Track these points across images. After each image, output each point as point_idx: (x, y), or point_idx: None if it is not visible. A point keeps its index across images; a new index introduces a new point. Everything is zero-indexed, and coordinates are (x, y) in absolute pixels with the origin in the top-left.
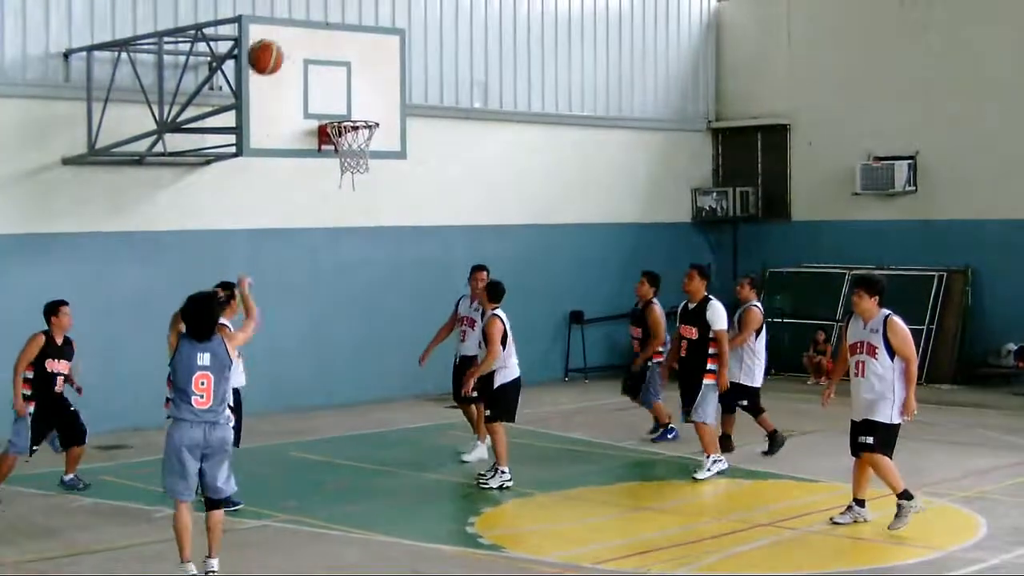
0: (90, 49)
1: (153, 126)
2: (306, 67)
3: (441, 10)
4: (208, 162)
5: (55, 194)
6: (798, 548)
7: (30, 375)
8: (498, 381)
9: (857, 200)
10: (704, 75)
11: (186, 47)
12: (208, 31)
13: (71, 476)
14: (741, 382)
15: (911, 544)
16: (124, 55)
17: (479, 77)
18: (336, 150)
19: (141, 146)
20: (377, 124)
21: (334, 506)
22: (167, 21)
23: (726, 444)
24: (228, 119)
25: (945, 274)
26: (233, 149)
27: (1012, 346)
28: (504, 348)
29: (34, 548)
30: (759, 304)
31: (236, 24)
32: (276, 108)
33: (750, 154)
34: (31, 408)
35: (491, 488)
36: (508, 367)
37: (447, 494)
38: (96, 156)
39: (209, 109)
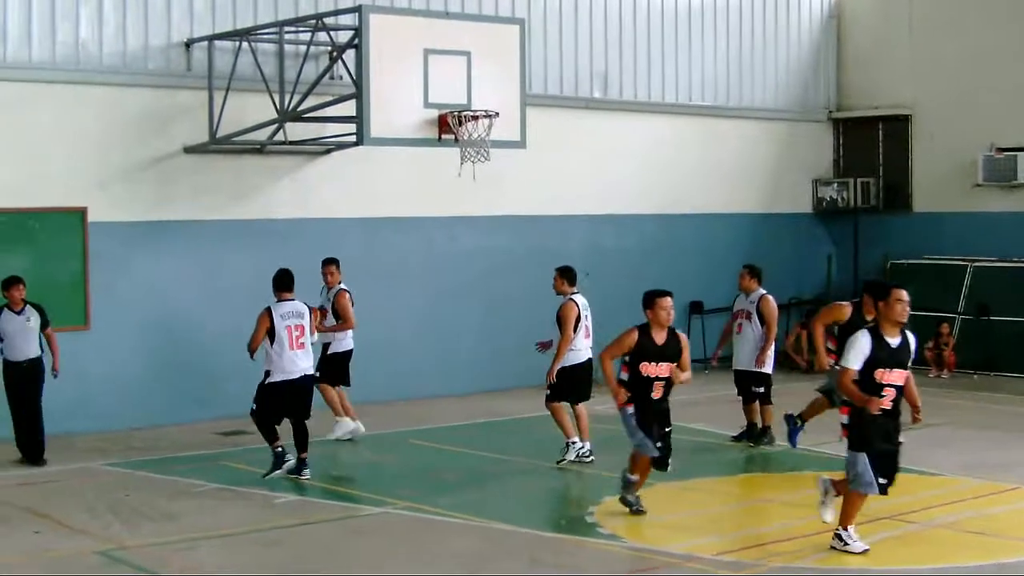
0: (211, 39)
1: (274, 115)
2: (426, 56)
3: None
4: (328, 151)
5: (177, 182)
6: (919, 542)
7: (625, 376)
8: (561, 364)
9: (979, 191)
10: (825, 64)
11: (306, 36)
12: (328, 20)
13: None
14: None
15: None
16: (245, 44)
17: (599, 67)
18: (456, 139)
19: (262, 135)
20: (497, 113)
21: (452, 494)
22: (288, 10)
23: (765, 433)
24: (348, 108)
25: None
26: (353, 138)
27: None
28: (575, 332)
29: (156, 532)
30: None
31: (356, 14)
32: (396, 97)
33: (871, 144)
34: (631, 409)
35: (569, 462)
36: (575, 349)
37: (566, 483)
38: (217, 145)
39: (330, 98)
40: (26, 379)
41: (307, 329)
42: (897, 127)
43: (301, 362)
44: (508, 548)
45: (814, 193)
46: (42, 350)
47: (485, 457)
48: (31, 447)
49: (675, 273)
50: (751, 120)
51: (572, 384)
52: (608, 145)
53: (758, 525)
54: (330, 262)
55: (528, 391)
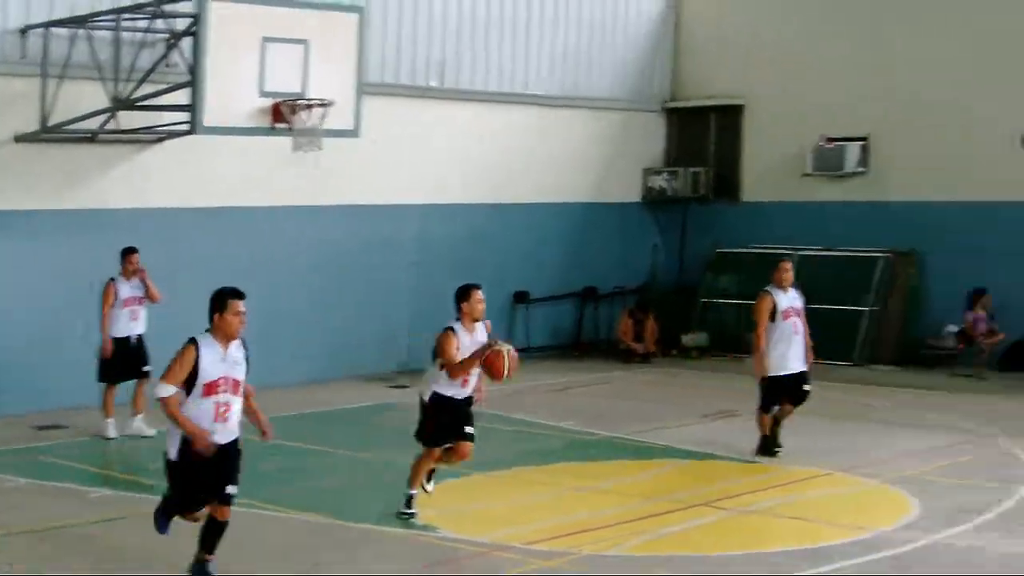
0: (48, 25)
1: (108, 103)
2: (263, 44)
3: None
4: (160, 140)
5: (7, 171)
6: (731, 528)
7: None
8: None
9: (808, 181)
10: (661, 55)
11: (145, 24)
12: (167, 7)
13: None
14: None
15: (844, 524)
16: (82, 31)
17: (437, 56)
18: (290, 128)
19: (95, 123)
20: (332, 102)
21: (272, 486)
22: None
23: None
24: (184, 96)
25: (891, 256)
26: (187, 127)
27: (953, 328)
28: None
29: None
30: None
31: (195, 1)
32: (231, 86)
33: (703, 134)
34: None
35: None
36: None
37: (385, 474)
38: (49, 133)
39: (165, 86)
40: None
41: None
42: (730, 117)
43: None
44: (325, 540)
45: (643, 182)
46: None
47: (307, 449)
48: None
49: (503, 262)
50: (585, 109)
51: None
52: (444, 134)
53: (571, 513)
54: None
55: (352, 382)
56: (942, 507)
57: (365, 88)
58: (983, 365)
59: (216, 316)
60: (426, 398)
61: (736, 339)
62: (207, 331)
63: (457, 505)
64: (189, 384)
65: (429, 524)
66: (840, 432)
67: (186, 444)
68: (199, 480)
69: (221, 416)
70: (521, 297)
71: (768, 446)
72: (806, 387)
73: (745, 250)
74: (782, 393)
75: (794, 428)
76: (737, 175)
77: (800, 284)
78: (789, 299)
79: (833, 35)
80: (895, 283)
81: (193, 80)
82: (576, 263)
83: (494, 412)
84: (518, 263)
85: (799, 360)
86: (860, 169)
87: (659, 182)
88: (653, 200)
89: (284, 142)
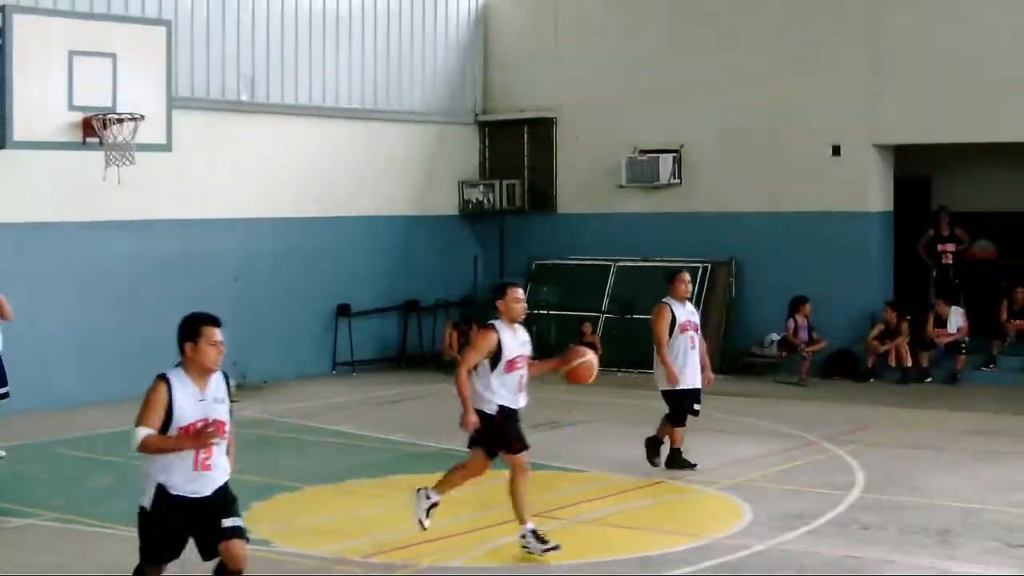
0: None
1: None
2: (71, 58)
3: (208, 1)
4: None
5: None
6: (564, 538)
7: None
8: None
9: (622, 192)
10: (472, 68)
11: None
12: None
13: None
14: None
15: (677, 532)
16: None
17: (245, 70)
18: (101, 143)
19: None
20: (143, 116)
21: (101, 503)
22: None
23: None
24: None
25: (710, 266)
26: None
27: (775, 336)
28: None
29: None
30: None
31: None
32: (40, 100)
33: (517, 147)
34: None
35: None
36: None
37: None
38: None
39: None
40: None
41: None
42: (543, 130)
43: None
44: None
45: (460, 195)
46: None
47: (133, 464)
48: None
49: (325, 276)
50: (400, 123)
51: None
52: (258, 148)
53: (406, 526)
54: None
55: None
56: (774, 513)
57: (177, 102)
58: (806, 372)
59: (188, 346)
60: (491, 410)
61: (560, 350)
62: (178, 365)
63: (290, 519)
64: (162, 431)
65: (264, 539)
66: (668, 441)
67: (160, 493)
68: (170, 534)
69: (203, 464)
70: (344, 310)
71: (678, 459)
72: (696, 407)
73: (563, 262)
74: (691, 403)
75: (622, 438)
76: (552, 187)
77: (619, 294)
78: (687, 312)
79: (645, 47)
80: (715, 293)
81: (1, 94)
82: (398, 276)
83: (321, 426)
84: (340, 277)
85: (695, 376)
86: (674, 181)
87: (475, 195)
88: (471, 213)
89: (97, 156)
